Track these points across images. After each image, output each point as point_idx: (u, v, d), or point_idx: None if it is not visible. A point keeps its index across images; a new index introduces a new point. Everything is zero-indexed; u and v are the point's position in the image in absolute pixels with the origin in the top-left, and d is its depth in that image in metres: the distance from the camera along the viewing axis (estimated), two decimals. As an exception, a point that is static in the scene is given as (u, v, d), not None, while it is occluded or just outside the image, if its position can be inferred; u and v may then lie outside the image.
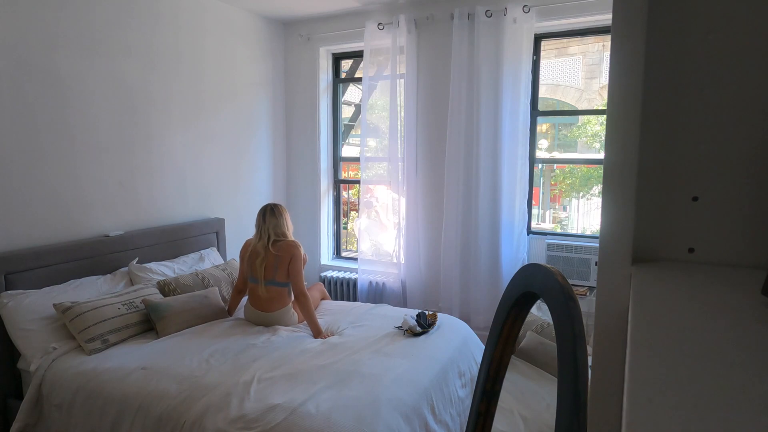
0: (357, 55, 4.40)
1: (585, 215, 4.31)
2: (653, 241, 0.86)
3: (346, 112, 4.81)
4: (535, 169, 3.82)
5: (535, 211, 4.04)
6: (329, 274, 4.40)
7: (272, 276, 2.86)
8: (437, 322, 2.88)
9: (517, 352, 3.06)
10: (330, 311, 3.17)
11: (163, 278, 3.06)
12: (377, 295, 4.12)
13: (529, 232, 3.82)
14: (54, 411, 2.30)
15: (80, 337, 2.47)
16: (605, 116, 0.88)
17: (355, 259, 4.42)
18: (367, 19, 4.00)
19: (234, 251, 3.90)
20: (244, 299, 3.13)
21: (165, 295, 2.92)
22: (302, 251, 2.93)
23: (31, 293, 2.57)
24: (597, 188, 4.14)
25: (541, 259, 3.69)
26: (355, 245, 4.54)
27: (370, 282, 4.16)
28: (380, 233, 4.32)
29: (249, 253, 2.92)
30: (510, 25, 3.50)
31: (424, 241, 4.04)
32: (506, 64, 3.54)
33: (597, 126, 4.04)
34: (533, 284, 0.83)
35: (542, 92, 3.88)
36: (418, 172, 4.01)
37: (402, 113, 3.96)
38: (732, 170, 0.82)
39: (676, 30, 0.82)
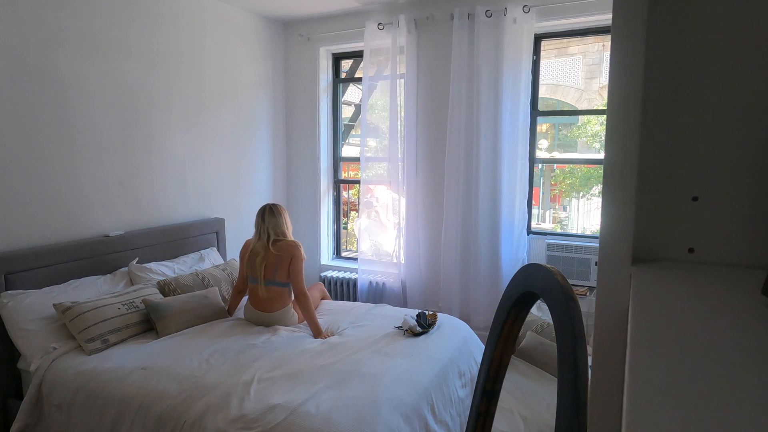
0: (357, 55, 4.40)
1: (585, 215, 4.31)
2: (653, 241, 0.86)
3: (346, 112, 4.81)
4: (535, 169, 3.82)
5: (535, 211, 4.04)
6: (329, 274, 4.40)
7: (272, 276, 2.86)
8: (437, 322, 2.88)
9: (517, 352, 3.06)
10: (330, 311, 3.17)
11: (163, 278, 3.06)
12: (377, 295, 4.12)
13: (529, 232, 3.82)
14: (54, 411, 2.30)
15: (80, 337, 2.47)
16: (605, 116, 0.88)
17: (355, 259, 4.42)
18: (367, 19, 4.00)
19: (234, 251, 3.90)
20: (244, 299, 3.13)
21: (165, 295, 2.92)
22: (302, 251, 2.93)
23: (31, 293, 2.57)
24: (597, 188, 4.14)
25: (541, 259, 3.69)
26: (355, 245, 4.54)
27: (370, 282, 4.16)
28: (380, 233, 4.33)
29: (249, 253, 2.92)
30: (510, 25, 3.50)
31: (424, 241, 4.04)
32: (506, 64, 3.54)
33: (597, 126, 4.04)
34: (533, 284, 0.83)
35: (542, 92, 3.88)
36: (418, 172, 4.01)
37: (402, 113, 3.96)
38: (732, 170, 0.82)
39: (676, 30, 0.82)
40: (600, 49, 3.93)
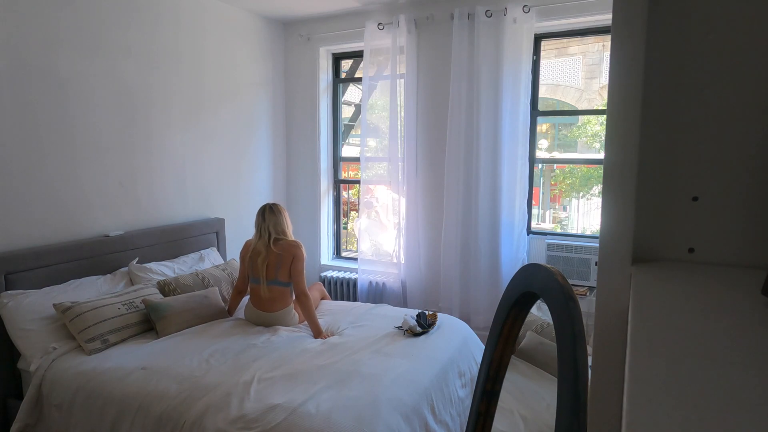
0: (357, 55, 4.40)
1: (585, 215, 4.31)
2: (653, 241, 0.86)
3: (346, 112, 4.81)
4: (535, 169, 3.82)
5: (535, 211, 4.04)
6: (329, 274, 4.40)
7: (274, 275, 2.86)
8: (437, 322, 2.88)
9: (517, 352, 3.06)
10: (330, 311, 3.17)
11: (163, 278, 3.06)
12: (377, 295, 4.12)
13: (529, 232, 3.82)
14: (54, 411, 2.30)
15: (80, 337, 2.47)
16: (605, 116, 0.88)
17: (355, 259, 4.42)
18: (367, 19, 4.00)
19: (234, 251, 3.90)
20: (244, 300, 3.13)
21: (165, 295, 2.92)
22: (304, 251, 2.93)
23: (31, 293, 2.57)
24: (597, 188, 4.14)
25: (541, 259, 3.69)
26: (355, 245, 4.54)
27: (370, 282, 4.16)
28: (380, 233, 4.33)
29: (250, 252, 2.92)
30: (510, 25, 3.50)
31: (424, 241, 4.04)
32: (506, 64, 3.54)
33: (597, 126, 4.04)
34: (533, 284, 0.83)
35: (542, 92, 3.88)
36: (418, 172, 4.01)
37: (402, 113, 3.96)
38: (732, 170, 0.82)
39: (676, 30, 0.82)
40: (600, 49, 3.93)
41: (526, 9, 3.46)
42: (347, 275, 4.33)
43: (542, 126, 4.12)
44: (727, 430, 0.36)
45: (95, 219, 3.04)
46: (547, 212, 4.42)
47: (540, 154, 3.96)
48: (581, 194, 4.32)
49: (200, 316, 2.86)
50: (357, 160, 4.43)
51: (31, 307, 2.52)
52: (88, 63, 2.94)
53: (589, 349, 1.49)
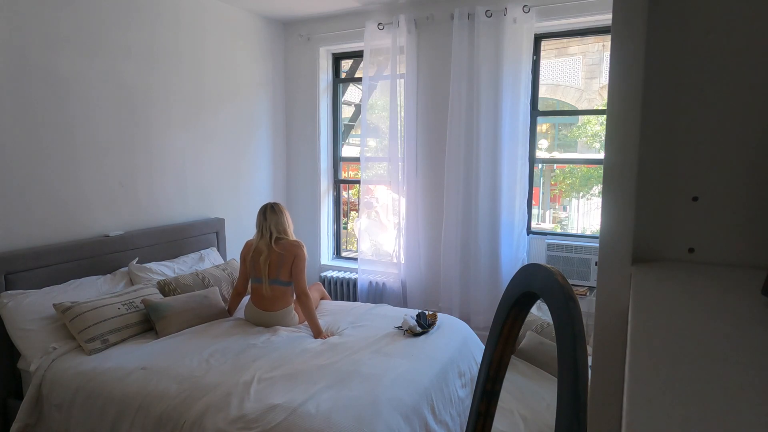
0: (357, 55, 4.40)
1: (585, 215, 4.31)
2: (653, 241, 0.86)
3: (346, 112, 4.81)
4: (535, 169, 3.82)
5: (535, 211, 4.04)
6: (329, 274, 4.40)
7: (276, 275, 2.87)
8: (437, 322, 2.88)
9: (517, 352, 3.06)
10: (330, 311, 3.17)
11: (163, 278, 3.06)
12: (377, 295, 4.12)
13: (529, 232, 3.82)
14: (54, 411, 2.30)
15: (80, 337, 2.47)
16: (605, 116, 0.88)
17: (355, 259, 4.42)
18: (367, 19, 4.00)
19: (234, 251, 3.90)
20: (244, 300, 3.13)
21: (165, 295, 2.92)
22: (305, 251, 2.93)
23: (31, 293, 2.57)
24: (597, 188, 4.14)
25: (541, 259, 3.69)
26: (355, 245, 4.54)
27: (370, 282, 4.16)
28: (380, 233, 4.33)
29: (252, 252, 2.92)
30: (510, 25, 3.50)
31: (424, 241, 4.04)
32: (506, 64, 3.54)
33: (597, 126, 4.04)
34: (533, 284, 0.83)
35: (542, 92, 3.88)
36: (418, 172, 4.01)
37: (402, 113, 3.96)
38: (732, 170, 0.82)
39: (676, 30, 0.82)
40: (600, 49, 3.93)
41: (526, 9, 3.46)
42: (347, 275, 4.33)
43: (542, 126, 4.12)
44: (727, 430, 0.36)
45: (95, 219, 3.04)
46: (547, 212, 4.42)
47: (540, 154, 3.96)
48: (581, 194, 4.32)
49: (200, 316, 2.86)
50: (357, 160, 4.43)
51: (31, 307, 2.52)
52: (88, 63, 2.94)
53: (589, 349, 1.49)
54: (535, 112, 3.69)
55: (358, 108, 4.76)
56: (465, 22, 3.64)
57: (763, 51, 0.79)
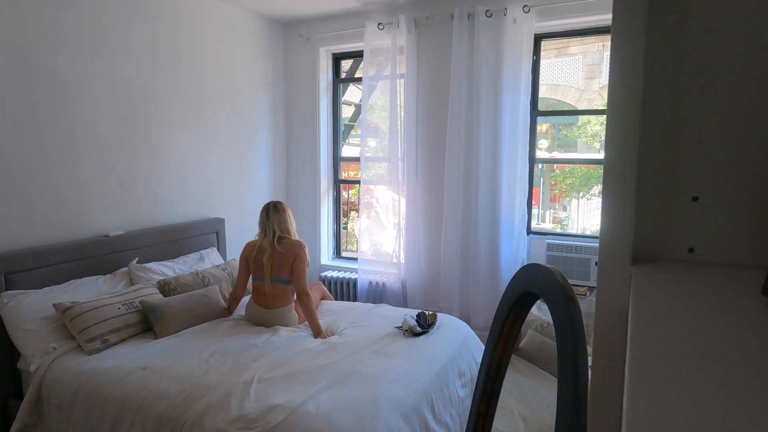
0: (357, 55, 4.40)
1: (585, 215, 4.31)
2: (653, 241, 0.86)
3: (346, 112, 4.81)
4: (535, 169, 3.82)
5: (535, 211, 4.04)
6: (329, 274, 4.40)
7: (277, 273, 2.88)
8: (437, 322, 2.88)
9: (517, 352, 3.06)
10: (330, 311, 3.17)
11: (163, 278, 3.06)
12: (377, 295, 4.12)
13: (529, 232, 3.82)
14: (54, 411, 2.30)
15: (80, 337, 2.47)
16: (605, 116, 0.88)
17: (355, 259, 4.42)
18: (367, 19, 4.00)
19: (234, 251, 3.90)
20: (245, 299, 3.13)
21: (165, 295, 2.92)
22: (307, 252, 2.94)
23: (31, 293, 2.57)
24: (597, 188, 4.14)
25: (541, 259, 3.69)
26: (355, 245, 4.54)
27: (370, 282, 4.16)
28: (380, 233, 4.33)
29: (255, 251, 2.93)
30: (510, 25, 3.50)
31: (424, 241, 4.04)
32: (506, 64, 3.54)
33: (597, 126, 4.04)
34: (533, 284, 0.83)
35: (542, 92, 3.88)
36: (418, 172, 4.01)
37: (402, 113, 3.96)
38: (732, 170, 0.82)
39: (676, 30, 0.82)
40: (600, 49, 3.93)
41: (526, 9, 3.46)
42: (347, 275, 4.33)
43: (542, 126, 4.12)
44: (727, 430, 0.36)
45: (95, 219, 3.04)
46: (547, 212, 4.42)
47: (540, 154, 3.96)
48: (581, 194, 4.32)
49: (200, 315, 2.86)
50: (357, 160, 4.43)
51: (31, 307, 2.52)
52: (88, 63, 2.94)
53: (589, 349, 1.49)
54: (535, 112, 3.69)
55: (358, 108, 4.76)
56: (465, 22, 3.64)
57: (763, 51, 0.79)
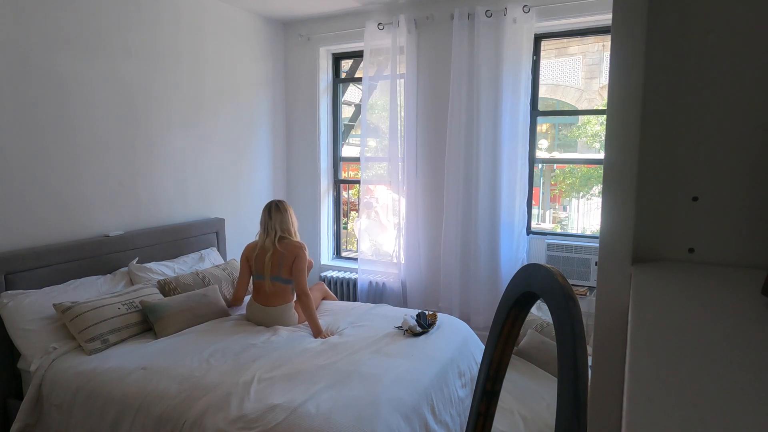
0: (357, 55, 4.40)
1: (585, 215, 4.31)
2: (653, 241, 0.86)
3: (346, 112, 4.81)
4: (535, 169, 3.82)
5: (535, 211, 4.04)
6: (329, 274, 4.40)
7: (277, 272, 2.89)
8: (437, 322, 2.88)
9: (517, 352, 3.06)
10: (330, 311, 3.17)
11: (163, 278, 3.06)
12: (377, 295, 4.12)
13: (529, 232, 3.82)
14: (54, 411, 2.30)
15: (80, 337, 2.47)
16: (605, 116, 0.88)
17: (355, 259, 4.42)
18: (367, 19, 4.00)
19: (233, 251, 3.90)
20: (246, 299, 3.14)
21: (165, 295, 2.92)
22: (307, 253, 2.95)
23: (31, 293, 2.57)
24: (597, 188, 4.14)
25: (541, 259, 3.69)
26: (355, 245, 4.54)
27: (370, 282, 4.16)
28: (380, 233, 4.33)
29: (257, 251, 2.94)
30: (510, 25, 3.50)
31: (424, 241, 4.04)
32: (506, 64, 3.54)
33: (597, 126, 4.04)
34: (533, 284, 0.83)
35: (542, 92, 3.88)
36: (418, 172, 4.01)
37: (402, 113, 3.96)
38: (732, 170, 0.82)
39: (676, 30, 0.82)
40: (600, 49, 3.93)
41: (526, 9, 3.46)
42: (347, 275, 4.33)
43: (542, 126, 4.12)
44: (727, 430, 0.36)
45: (95, 219, 3.04)
46: (547, 212, 4.42)
47: (540, 154, 3.96)
48: (581, 194, 4.32)
49: (199, 315, 2.86)
50: (357, 160, 4.43)
51: (31, 307, 2.52)
52: (88, 63, 2.94)
53: (589, 349, 1.49)
54: (535, 112, 3.69)
55: (358, 108, 4.76)
56: (465, 22, 3.64)
57: (763, 51, 0.79)
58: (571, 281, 3.42)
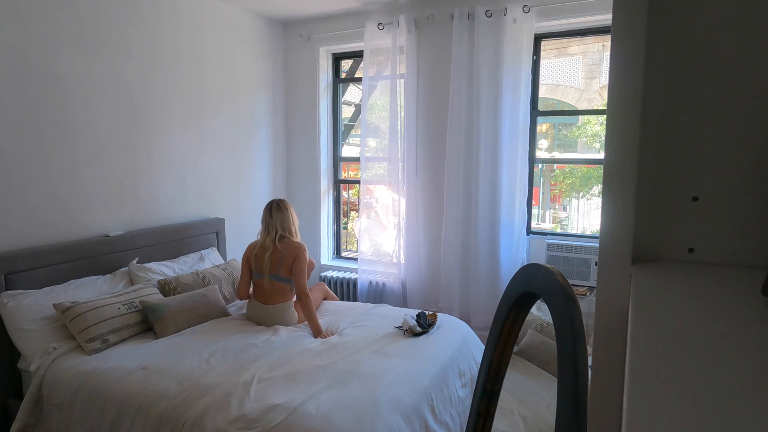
0: (357, 55, 4.40)
1: (585, 215, 4.31)
2: (653, 241, 0.86)
3: (346, 112, 4.81)
4: (535, 169, 3.82)
5: (535, 211, 4.04)
6: (329, 274, 4.40)
7: (276, 271, 2.90)
8: (437, 322, 2.88)
9: (517, 352, 3.06)
10: (330, 311, 3.17)
11: (163, 278, 3.06)
12: (377, 295, 4.12)
13: (529, 232, 3.82)
14: (54, 411, 2.30)
15: (80, 337, 2.47)
16: (605, 116, 0.88)
17: (355, 259, 4.42)
18: (367, 19, 4.00)
19: (233, 251, 3.90)
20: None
21: (165, 295, 2.92)
22: (307, 254, 2.96)
23: (31, 293, 2.57)
24: (597, 188, 4.14)
25: (541, 259, 3.69)
26: (355, 245, 4.54)
27: (370, 282, 4.16)
28: (380, 233, 4.33)
29: (257, 250, 2.95)
30: (510, 25, 3.50)
31: (424, 241, 4.04)
32: (506, 64, 3.54)
33: (597, 126, 4.04)
34: (533, 284, 0.83)
35: (542, 92, 3.88)
36: (418, 172, 4.01)
37: (402, 113, 3.96)
38: (732, 170, 0.82)
39: (676, 30, 0.82)
40: (600, 49, 3.93)
41: (526, 9, 3.46)
42: (347, 275, 4.33)
43: (542, 126, 4.12)
44: (727, 430, 0.36)
45: (95, 219, 3.04)
46: (547, 212, 4.42)
47: (540, 154, 3.96)
48: (581, 194, 4.32)
49: (200, 315, 2.86)
50: (357, 160, 4.43)
51: (31, 307, 2.52)
52: (88, 63, 2.94)
53: (589, 349, 1.49)
54: (535, 112, 3.69)
55: (358, 108, 4.76)
56: (465, 22, 3.64)
57: (763, 51, 0.79)
58: (571, 281, 3.41)
